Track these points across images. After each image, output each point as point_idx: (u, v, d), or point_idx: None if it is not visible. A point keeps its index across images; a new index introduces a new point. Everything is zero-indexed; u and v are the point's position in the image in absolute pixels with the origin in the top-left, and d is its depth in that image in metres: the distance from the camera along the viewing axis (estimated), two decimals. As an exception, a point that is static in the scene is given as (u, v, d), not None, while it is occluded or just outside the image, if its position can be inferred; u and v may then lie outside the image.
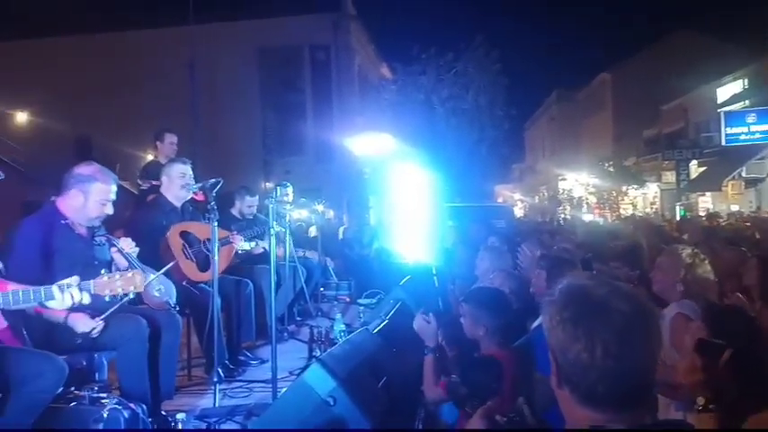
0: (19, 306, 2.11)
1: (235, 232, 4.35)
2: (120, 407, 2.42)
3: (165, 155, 5.60)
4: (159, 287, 2.88)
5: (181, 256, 3.81)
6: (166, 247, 3.74)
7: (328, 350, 3.04)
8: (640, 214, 20.64)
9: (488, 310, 2.67)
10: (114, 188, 2.96)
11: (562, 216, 24.09)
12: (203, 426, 2.96)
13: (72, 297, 2.08)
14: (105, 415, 2.37)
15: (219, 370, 3.39)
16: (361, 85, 21.92)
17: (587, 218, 21.72)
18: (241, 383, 3.77)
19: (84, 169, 2.91)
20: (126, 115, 18.79)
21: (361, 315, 5.21)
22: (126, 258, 2.89)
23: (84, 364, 2.59)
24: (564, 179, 32.09)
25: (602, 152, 28.68)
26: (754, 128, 18.30)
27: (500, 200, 31.17)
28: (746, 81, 19.80)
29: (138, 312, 2.95)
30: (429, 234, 7.94)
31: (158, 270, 3.01)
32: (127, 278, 2.17)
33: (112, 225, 3.28)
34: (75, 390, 2.48)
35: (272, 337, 3.46)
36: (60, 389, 2.28)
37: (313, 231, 7.75)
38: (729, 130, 18.77)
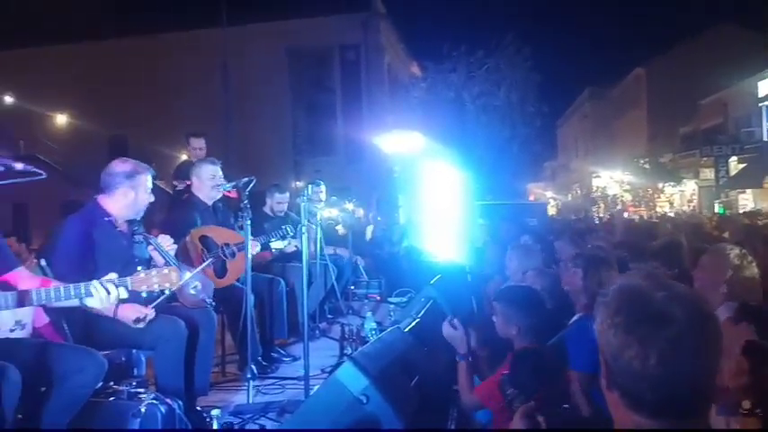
0: (60, 303, 2.17)
1: (252, 239, 4.37)
2: (157, 402, 2.47)
3: (194, 157, 5.70)
4: (195, 285, 2.92)
5: (199, 261, 3.83)
6: (185, 252, 3.72)
7: (360, 348, 3.04)
8: (671, 213, 20.13)
9: (521, 308, 2.63)
10: (151, 177, 3.05)
11: (596, 214, 23.66)
12: (237, 421, 3.00)
13: (109, 293, 2.13)
14: (143, 410, 2.41)
15: (253, 367, 3.44)
16: (391, 84, 21.91)
17: (619, 216, 21.28)
18: (274, 380, 3.81)
19: (124, 166, 2.99)
20: (160, 116, 19.21)
21: (392, 313, 5.20)
22: (163, 256, 2.95)
23: (123, 359, 2.66)
24: (598, 177, 31.51)
25: (637, 149, 28.07)
26: (797, 122, 17.65)
27: (531, 198, 30.77)
28: (789, 74, 19.12)
29: (175, 311, 3.01)
30: (460, 233, 7.89)
31: (194, 268, 3.05)
32: (163, 274, 2.21)
33: (148, 224, 3.35)
34: (114, 385, 2.54)
35: (304, 334, 3.49)
36: (100, 384, 2.34)
37: (341, 230, 7.78)
38: (771, 125, 18.15)
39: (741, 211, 16.31)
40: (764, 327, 1.95)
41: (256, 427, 3.01)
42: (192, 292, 2.94)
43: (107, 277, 2.15)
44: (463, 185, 9.00)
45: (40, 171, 1.87)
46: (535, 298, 2.77)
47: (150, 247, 3.01)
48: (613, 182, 29.42)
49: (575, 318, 2.80)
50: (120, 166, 2.99)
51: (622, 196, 28.24)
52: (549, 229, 8.24)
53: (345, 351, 4.27)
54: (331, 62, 20.92)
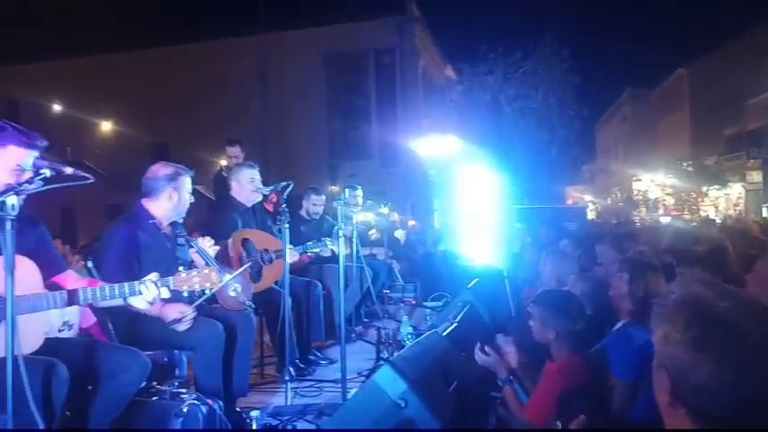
0: (106, 302, 2.23)
1: (290, 247, 4.41)
2: (198, 402, 2.51)
3: (230, 164, 5.81)
4: (235, 287, 2.97)
5: (237, 264, 3.89)
6: (226, 252, 3.78)
7: (398, 352, 3.03)
8: (716, 217, 19.42)
9: (558, 312, 2.58)
10: (190, 178, 3.13)
11: (638, 218, 23.05)
12: (275, 423, 3.02)
13: (151, 293, 2.17)
14: (185, 410, 2.45)
15: (291, 369, 3.46)
16: (426, 88, 21.88)
17: (664, 220, 20.67)
18: (311, 383, 3.83)
19: (166, 170, 3.08)
20: (200, 123, 19.66)
21: (428, 318, 5.17)
22: (204, 258, 3.02)
23: (166, 360, 2.71)
24: (638, 180, 30.71)
25: (680, 151, 27.24)
26: None
27: (569, 201, 30.21)
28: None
29: (214, 313, 3.06)
30: (496, 237, 7.80)
31: (234, 271, 3.10)
32: (204, 275, 2.25)
33: (189, 227, 3.42)
34: (158, 384, 2.59)
35: (341, 337, 3.49)
36: (144, 383, 2.39)
37: (374, 234, 7.80)
38: (824, 126, 17.38)
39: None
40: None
41: (295, 428, 3.03)
42: (232, 294, 2.99)
43: (149, 277, 2.21)
44: (500, 189, 8.90)
45: (87, 175, 1.92)
46: (574, 302, 2.71)
47: (192, 250, 3.08)
48: (655, 185, 28.62)
49: (618, 325, 2.72)
50: (162, 170, 3.08)
51: (664, 200, 27.44)
52: (588, 233, 8.07)
53: (382, 355, 4.27)
54: (366, 67, 21.02)
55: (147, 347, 2.61)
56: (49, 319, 2.42)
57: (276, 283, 3.90)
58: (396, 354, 4.09)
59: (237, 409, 3.09)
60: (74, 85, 20.36)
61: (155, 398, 2.53)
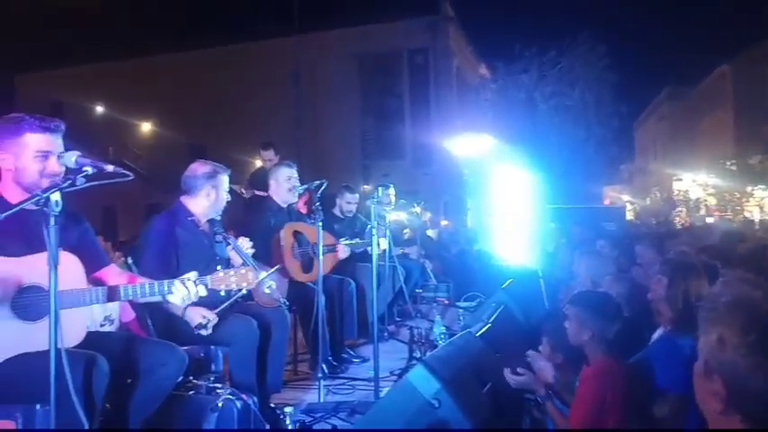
0: (146, 298, 2.27)
1: (341, 241, 4.46)
2: (233, 397, 2.54)
3: (266, 166, 5.89)
4: (270, 284, 3.00)
5: (289, 254, 3.97)
6: (277, 243, 3.91)
7: (432, 351, 3.01)
8: (762, 217, 18.70)
9: (595, 313, 2.51)
10: (227, 176, 3.20)
11: (679, 218, 22.40)
12: (309, 420, 3.04)
13: (189, 291, 2.21)
14: (220, 404, 2.49)
15: (324, 366, 3.48)
16: (460, 87, 21.73)
17: (709, 220, 20.04)
18: (344, 380, 3.84)
19: (205, 168, 3.15)
20: (236, 124, 20.01)
21: (461, 318, 5.14)
22: (241, 256, 3.06)
23: (202, 355, 2.75)
24: (679, 179, 29.83)
25: (722, 150, 26.35)
26: None
27: (606, 202, 29.57)
28: None
29: (249, 310, 3.10)
30: (531, 236, 7.69)
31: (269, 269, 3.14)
32: (241, 274, 2.28)
33: (224, 225, 3.48)
34: (194, 379, 2.63)
35: (374, 336, 3.50)
36: (180, 377, 2.43)
37: (407, 233, 7.77)
38: None
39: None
40: None
41: (328, 426, 3.04)
42: (267, 291, 3.02)
43: (187, 276, 2.24)
44: (534, 188, 8.77)
45: (128, 172, 1.97)
46: (611, 303, 2.64)
47: (229, 247, 3.13)
48: (696, 185, 27.75)
49: (659, 332, 2.63)
50: (200, 168, 3.15)
51: (706, 200, 26.58)
52: (627, 233, 7.88)
53: (414, 354, 4.25)
54: (399, 66, 21.01)
55: (184, 342, 2.66)
56: (91, 313, 2.49)
57: (311, 281, 3.94)
58: (429, 353, 4.08)
59: (271, 404, 3.12)
60: (115, 87, 20.97)
61: (191, 392, 2.57)
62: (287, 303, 3.24)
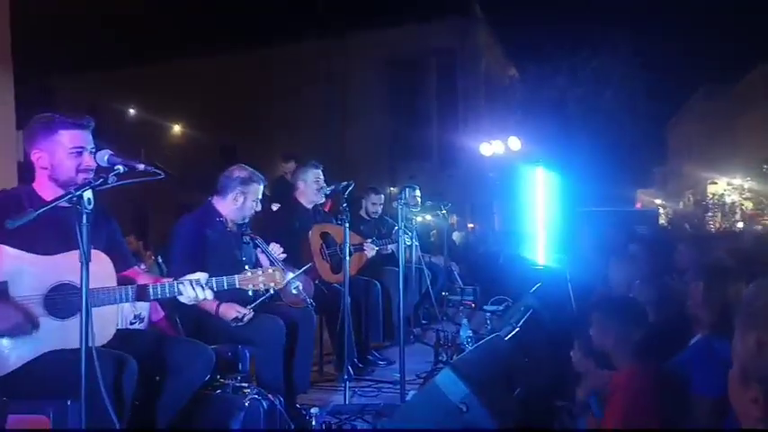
0: (166, 297, 2.28)
1: (368, 241, 4.45)
2: (259, 397, 2.55)
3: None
4: (297, 285, 3.01)
5: (318, 255, 3.98)
6: (306, 245, 3.92)
7: (460, 355, 2.97)
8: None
9: (618, 318, 2.46)
10: (262, 188, 3.23)
11: (712, 223, 21.78)
12: (335, 421, 3.04)
13: (196, 293, 2.20)
14: (246, 404, 2.50)
15: (350, 368, 3.47)
16: (488, 88, 21.56)
17: (739, 226, 19.45)
18: (370, 383, 3.83)
19: (241, 172, 3.19)
20: (265, 125, 20.23)
21: (489, 322, 5.07)
22: (268, 257, 3.08)
23: (230, 354, 2.77)
24: (714, 183, 29.04)
25: (761, 153, 25.57)
26: None
27: (638, 205, 28.97)
28: None
29: (276, 310, 3.11)
30: (560, 240, 7.57)
31: (297, 270, 3.15)
32: (269, 274, 2.28)
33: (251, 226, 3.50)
34: (221, 378, 2.65)
35: (400, 338, 3.47)
36: (208, 376, 2.45)
37: (435, 235, 7.73)
38: None
39: None
40: None
41: (354, 428, 3.03)
42: (294, 291, 3.03)
43: (193, 276, 2.23)
44: (564, 191, 8.64)
45: (159, 171, 1.99)
46: (634, 308, 2.59)
47: (257, 249, 3.15)
48: (732, 189, 26.97)
49: (697, 336, 2.56)
50: (237, 171, 3.20)
51: (742, 204, 25.81)
52: (660, 237, 7.70)
53: (440, 358, 4.22)
54: (427, 68, 20.96)
55: (212, 342, 2.68)
56: (121, 311, 2.52)
57: (338, 283, 3.94)
58: (456, 357, 4.04)
59: (297, 405, 3.12)
60: (147, 90, 21.40)
61: (218, 391, 2.59)
62: (313, 304, 3.24)
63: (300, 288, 3.05)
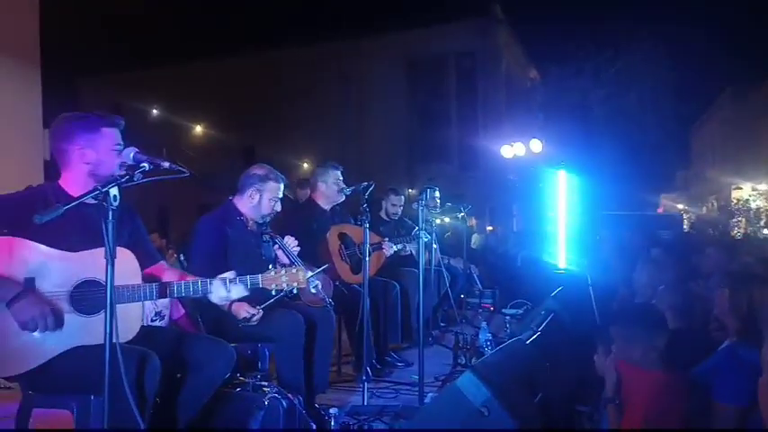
0: (189, 296, 2.30)
1: (386, 239, 4.44)
2: (279, 396, 2.55)
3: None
4: (316, 284, 3.01)
5: (337, 256, 3.98)
6: (325, 247, 3.92)
7: (482, 358, 2.95)
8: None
9: (640, 326, 2.43)
10: (282, 187, 3.22)
11: (737, 229, 21.34)
12: (353, 422, 3.03)
13: (229, 291, 2.23)
14: (266, 403, 2.50)
15: (368, 369, 3.46)
16: (509, 90, 21.43)
17: (765, 232, 19.01)
18: (388, 384, 3.81)
19: (258, 170, 3.21)
20: (285, 126, 20.36)
21: (508, 325, 5.03)
22: (288, 256, 3.08)
23: (249, 353, 2.78)
24: (739, 188, 28.45)
25: (789, 157, 24.99)
26: None
27: (660, 210, 28.51)
28: None
29: (296, 308, 3.12)
30: (582, 243, 7.48)
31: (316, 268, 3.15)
32: (291, 274, 2.29)
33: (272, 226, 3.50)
34: (240, 376, 2.66)
35: (419, 340, 3.46)
36: (228, 374, 2.46)
37: (449, 236, 7.68)
38: None
39: None
40: None
41: (372, 429, 3.02)
42: (313, 290, 3.03)
43: (227, 275, 2.25)
44: (587, 194, 8.53)
45: (183, 169, 2.01)
46: (654, 313, 2.56)
47: (276, 247, 3.16)
48: (758, 194, 26.39)
49: (725, 344, 2.50)
50: (255, 169, 3.21)
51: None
52: (686, 243, 7.57)
53: (459, 360, 4.20)
54: (447, 70, 20.91)
55: (232, 340, 2.69)
56: (144, 309, 2.54)
57: (357, 283, 3.93)
58: (475, 360, 4.00)
59: (316, 405, 3.13)
60: (170, 91, 21.69)
61: (238, 389, 2.60)
62: (332, 303, 3.24)
63: (320, 287, 3.05)
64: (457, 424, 2.00)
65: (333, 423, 2.68)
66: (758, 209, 26.01)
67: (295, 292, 2.42)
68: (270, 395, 2.53)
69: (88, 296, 2.11)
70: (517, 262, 8.26)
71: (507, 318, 5.43)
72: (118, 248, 1.88)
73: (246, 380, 2.62)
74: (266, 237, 3.15)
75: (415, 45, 20.18)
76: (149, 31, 22.00)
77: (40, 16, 6.16)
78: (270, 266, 2.31)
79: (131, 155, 2.04)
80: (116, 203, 1.82)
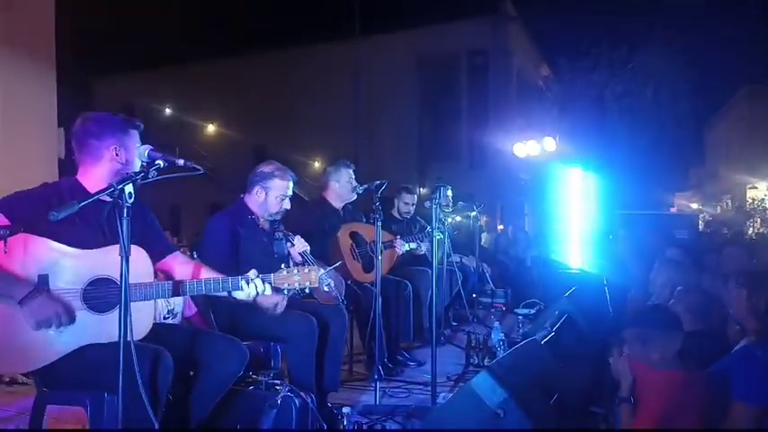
0: (210, 293, 2.30)
1: (398, 237, 4.42)
2: (292, 395, 2.54)
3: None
4: (329, 282, 3.00)
5: (349, 255, 3.97)
6: (336, 246, 3.91)
7: (497, 359, 2.92)
8: None
9: (655, 327, 2.40)
10: (291, 185, 3.19)
11: (752, 230, 21.07)
12: (365, 421, 3.01)
13: (256, 288, 2.23)
14: (279, 401, 2.49)
15: (380, 368, 3.45)
16: (520, 88, 21.29)
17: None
18: (400, 383, 3.80)
19: (265, 167, 3.19)
20: (296, 125, 20.39)
21: (521, 325, 4.99)
22: (300, 254, 3.07)
23: (262, 351, 2.77)
24: (754, 188, 28.07)
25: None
26: None
27: (673, 209, 28.23)
28: None
29: (307, 307, 3.10)
30: (596, 243, 7.42)
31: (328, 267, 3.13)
32: (304, 273, 2.28)
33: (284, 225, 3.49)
34: (253, 374, 2.65)
35: (432, 340, 3.43)
36: (241, 372, 2.45)
37: (457, 234, 7.64)
38: None
39: None
40: None
41: (385, 428, 3.00)
42: (326, 289, 3.02)
43: (251, 273, 2.25)
44: (601, 192, 8.45)
45: (198, 166, 2.00)
46: (667, 314, 2.52)
47: (289, 245, 3.15)
48: (773, 194, 26.01)
49: (742, 343, 2.47)
50: (263, 167, 3.20)
51: (784, 210, 24.86)
52: (700, 243, 7.47)
53: (471, 360, 4.17)
54: (458, 68, 20.79)
55: (246, 338, 2.69)
56: (156, 306, 2.54)
57: (369, 282, 3.91)
58: (488, 360, 3.97)
59: (329, 404, 3.11)
60: (182, 90, 21.81)
61: (251, 387, 2.59)
62: (344, 302, 3.22)
63: (332, 285, 3.04)
64: (471, 424, 1.98)
65: (345, 422, 2.67)
66: (773, 208, 25.62)
67: (308, 291, 2.41)
68: (283, 393, 2.52)
69: (101, 294, 2.11)
70: (527, 262, 8.20)
71: (520, 317, 5.39)
72: (131, 246, 1.87)
73: (259, 378, 2.61)
74: (279, 234, 3.14)
75: (427, 43, 20.11)
76: (162, 31, 22.13)
77: (55, 17, 6.20)
78: (282, 265, 2.30)
79: (146, 152, 2.04)
80: (131, 201, 1.82)
